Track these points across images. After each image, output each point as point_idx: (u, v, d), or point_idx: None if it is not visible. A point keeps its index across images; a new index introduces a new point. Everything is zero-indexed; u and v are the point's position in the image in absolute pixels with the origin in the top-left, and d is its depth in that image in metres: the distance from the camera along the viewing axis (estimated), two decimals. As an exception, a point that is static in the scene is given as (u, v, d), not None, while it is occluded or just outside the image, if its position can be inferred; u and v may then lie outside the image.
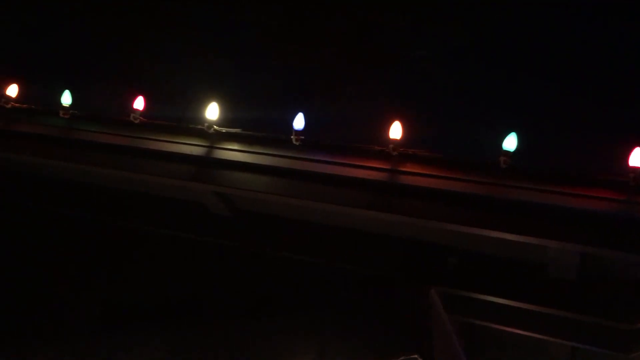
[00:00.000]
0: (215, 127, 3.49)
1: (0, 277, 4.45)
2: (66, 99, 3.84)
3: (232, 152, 3.50)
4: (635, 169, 2.76)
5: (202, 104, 3.54)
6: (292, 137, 3.31)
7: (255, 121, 3.54)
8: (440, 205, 3.06)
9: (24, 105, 4.00)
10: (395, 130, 3.17)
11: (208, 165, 3.54)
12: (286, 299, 3.98)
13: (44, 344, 4.05)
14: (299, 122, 3.30)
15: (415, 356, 3.59)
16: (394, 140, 3.16)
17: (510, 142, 2.96)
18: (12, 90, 4.03)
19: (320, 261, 3.86)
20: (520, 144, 2.96)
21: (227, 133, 3.49)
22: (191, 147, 3.56)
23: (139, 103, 3.68)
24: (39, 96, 4.04)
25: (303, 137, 3.32)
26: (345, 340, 3.76)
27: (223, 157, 3.50)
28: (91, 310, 4.15)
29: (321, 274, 3.89)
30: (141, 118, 3.68)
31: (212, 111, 3.50)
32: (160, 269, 4.20)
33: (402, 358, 3.57)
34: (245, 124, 3.52)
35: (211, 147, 3.53)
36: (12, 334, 4.18)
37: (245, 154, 3.47)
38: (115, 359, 3.91)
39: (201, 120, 3.55)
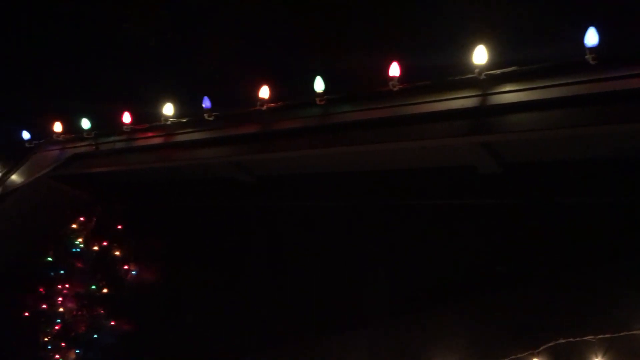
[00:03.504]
0: (486, 72, 3.20)
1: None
2: (319, 85, 3.84)
3: (509, 94, 3.17)
4: None
5: (465, 51, 3.28)
6: (587, 56, 2.89)
7: (526, 57, 3.18)
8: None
9: (279, 104, 4.09)
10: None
11: (482, 114, 3.27)
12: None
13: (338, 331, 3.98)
14: (591, 37, 2.87)
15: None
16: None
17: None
18: (265, 92, 4.16)
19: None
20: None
21: (501, 75, 3.18)
22: (461, 101, 3.31)
23: (394, 69, 3.54)
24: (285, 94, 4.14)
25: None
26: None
27: (499, 102, 3.20)
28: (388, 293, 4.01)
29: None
30: (399, 84, 3.53)
31: (480, 55, 3.22)
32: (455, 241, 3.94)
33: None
34: (514, 62, 3.18)
35: (484, 95, 3.24)
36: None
37: (526, 92, 3.12)
38: (413, 339, 3.68)
39: (464, 70, 3.29)
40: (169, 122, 4.75)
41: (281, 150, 4.12)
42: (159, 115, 4.82)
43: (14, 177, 5.91)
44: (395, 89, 3.55)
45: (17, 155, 5.83)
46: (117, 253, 5.62)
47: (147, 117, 4.91)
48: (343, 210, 4.54)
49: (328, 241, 4.55)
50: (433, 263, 3.97)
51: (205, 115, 4.47)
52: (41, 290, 5.89)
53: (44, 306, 5.81)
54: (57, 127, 5.51)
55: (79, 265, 5.87)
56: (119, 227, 5.71)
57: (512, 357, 3.43)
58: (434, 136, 3.43)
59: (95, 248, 5.75)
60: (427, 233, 4.02)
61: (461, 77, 3.32)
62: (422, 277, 3.94)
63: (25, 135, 5.78)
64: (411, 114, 3.49)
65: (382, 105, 3.62)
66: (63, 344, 5.60)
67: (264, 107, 4.19)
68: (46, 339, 5.69)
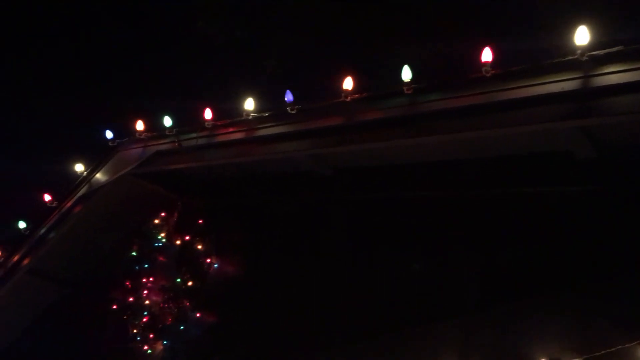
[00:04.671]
0: (588, 53, 3.09)
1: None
2: (406, 74, 3.81)
3: (613, 75, 3.06)
4: None
5: (565, 33, 3.18)
6: None
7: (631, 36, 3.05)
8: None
9: (364, 94, 4.08)
10: None
11: (583, 97, 3.17)
12: None
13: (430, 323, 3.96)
14: None
15: None
16: None
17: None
18: (348, 84, 4.16)
19: None
20: None
21: (605, 56, 3.07)
22: (560, 84, 3.21)
23: (487, 55, 3.47)
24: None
25: None
26: None
27: (602, 84, 3.08)
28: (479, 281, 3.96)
29: None
30: (492, 70, 3.45)
31: (582, 36, 3.11)
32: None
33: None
34: (619, 42, 3.06)
35: (586, 77, 3.14)
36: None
37: (632, 73, 3.00)
38: (509, 330, 3.61)
39: (563, 53, 3.19)
40: (250, 117, 4.84)
41: (366, 142, 4.11)
42: (240, 111, 4.92)
43: (98, 175, 6.14)
44: (488, 74, 3.48)
45: (101, 154, 6.07)
46: (199, 247, 5.77)
47: (228, 112, 5.01)
48: (425, 201, 4.50)
49: (411, 233, 4.52)
50: (527, 252, 3.87)
51: (287, 108, 4.52)
52: (127, 284, 6.13)
53: (131, 299, 6.04)
54: (139, 125, 5.69)
55: (162, 259, 6.05)
56: (200, 221, 5.85)
57: (619, 347, 3.32)
58: (531, 122, 3.34)
59: (178, 242, 5.91)
60: (520, 222, 3.93)
61: (560, 59, 3.23)
62: (517, 267, 3.86)
63: (109, 134, 6.00)
64: (507, 100, 3.41)
65: (473, 92, 3.55)
66: (151, 336, 5.81)
67: (348, 99, 4.19)
68: (135, 331, 5.91)
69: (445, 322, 3.95)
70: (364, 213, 4.83)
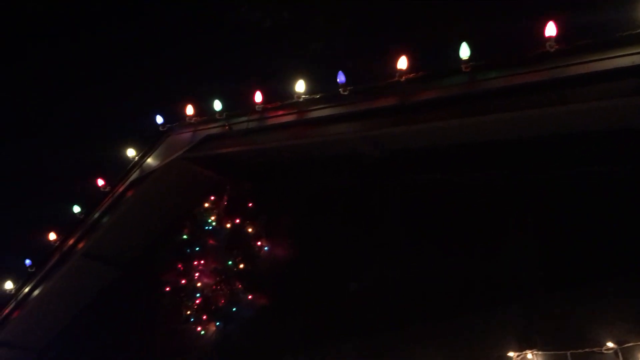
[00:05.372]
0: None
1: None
2: (464, 52, 3.72)
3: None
4: None
5: (633, 3, 3.05)
6: None
7: None
8: None
9: (419, 74, 4.01)
10: None
11: (656, 71, 3.02)
12: None
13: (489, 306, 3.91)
14: None
15: None
16: None
17: None
18: (403, 63, 4.09)
19: None
20: None
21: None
22: (631, 57, 3.09)
23: (551, 29, 3.36)
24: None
25: None
26: None
27: (678, 57, 2.95)
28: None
29: None
30: (556, 45, 3.34)
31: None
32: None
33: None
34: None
35: (658, 49, 3.00)
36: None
37: None
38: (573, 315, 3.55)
39: (633, 25, 3.06)
40: (301, 99, 4.82)
41: (421, 123, 4.05)
42: (290, 93, 4.90)
43: (149, 160, 6.22)
44: (552, 50, 3.38)
45: (152, 139, 6.16)
46: (250, 230, 5.81)
47: (278, 95, 5.00)
48: (483, 183, 4.40)
49: (469, 215, 4.44)
50: (591, 235, 3.76)
51: (340, 89, 4.49)
52: (180, 266, 6.22)
53: (183, 281, 6.15)
54: (189, 110, 5.74)
55: (212, 242, 6.12)
56: (250, 204, 5.89)
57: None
58: (600, 97, 3.23)
59: (228, 225, 5.97)
60: (584, 203, 3.82)
61: (631, 32, 3.11)
62: (581, 249, 3.75)
63: (159, 119, 6.07)
64: (573, 75, 3.30)
65: (536, 69, 3.45)
66: (204, 317, 5.90)
67: (402, 79, 4.13)
68: (188, 313, 6.00)
69: (507, 307, 3.89)
70: (416, 195, 4.78)
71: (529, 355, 3.81)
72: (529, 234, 4.00)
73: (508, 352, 3.82)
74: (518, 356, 3.85)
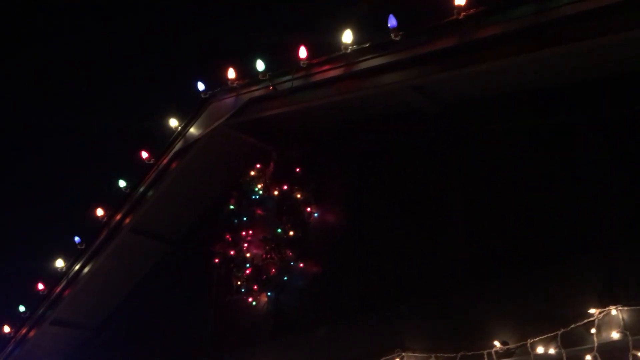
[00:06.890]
0: None
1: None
2: (530, -23, 3.37)
3: None
4: None
5: None
6: None
7: None
8: None
9: (479, 9, 3.67)
10: None
11: None
12: None
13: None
14: None
15: None
16: None
17: None
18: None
19: None
20: None
21: None
22: None
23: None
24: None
25: None
26: None
27: None
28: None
29: None
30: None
31: None
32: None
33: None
34: None
35: None
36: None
37: None
38: None
39: None
40: (348, 50, 4.53)
41: (485, 61, 3.70)
42: (336, 46, 4.62)
43: (192, 129, 6.05)
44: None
45: (194, 107, 5.99)
46: (299, 196, 5.58)
47: (323, 49, 4.73)
48: (552, 129, 4.03)
49: (527, 166, 4.09)
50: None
51: (391, 35, 4.18)
52: (228, 237, 6.05)
53: (233, 252, 5.98)
54: (231, 73, 5.52)
55: (260, 212, 5.94)
56: (297, 170, 5.67)
57: None
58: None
59: (276, 193, 5.76)
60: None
61: None
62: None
63: (200, 86, 5.87)
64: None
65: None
66: (255, 287, 5.73)
67: (461, 16, 3.79)
68: (239, 283, 5.85)
69: (586, 258, 3.54)
70: (476, 150, 4.43)
71: (613, 312, 3.48)
72: (606, 180, 3.61)
73: (589, 309, 3.49)
74: (600, 312, 3.52)
